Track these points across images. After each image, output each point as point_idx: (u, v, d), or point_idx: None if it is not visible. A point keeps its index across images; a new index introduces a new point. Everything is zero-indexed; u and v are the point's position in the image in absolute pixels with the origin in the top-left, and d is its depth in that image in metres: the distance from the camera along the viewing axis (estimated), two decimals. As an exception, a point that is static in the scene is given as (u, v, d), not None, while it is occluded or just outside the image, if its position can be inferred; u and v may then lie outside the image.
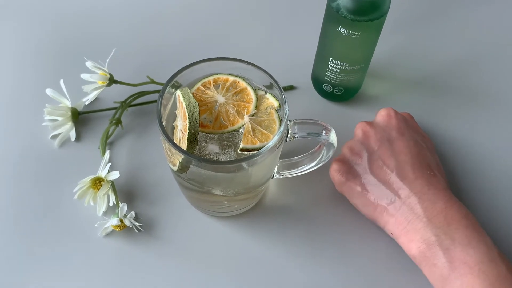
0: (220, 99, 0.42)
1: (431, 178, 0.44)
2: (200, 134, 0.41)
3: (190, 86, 0.43)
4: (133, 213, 0.48)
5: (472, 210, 0.45)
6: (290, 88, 0.58)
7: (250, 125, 0.41)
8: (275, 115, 0.42)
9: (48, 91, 0.53)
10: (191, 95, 0.40)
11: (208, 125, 0.41)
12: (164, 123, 0.40)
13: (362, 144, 0.48)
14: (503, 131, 0.56)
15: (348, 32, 0.48)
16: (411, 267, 0.44)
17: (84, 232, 0.48)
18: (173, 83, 0.42)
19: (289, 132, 0.43)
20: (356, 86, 0.56)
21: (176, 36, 0.63)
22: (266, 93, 0.43)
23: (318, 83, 0.57)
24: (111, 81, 0.53)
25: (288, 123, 0.42)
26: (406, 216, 0.43)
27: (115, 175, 0.48)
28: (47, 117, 0.53)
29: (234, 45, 0.62)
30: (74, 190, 0.47)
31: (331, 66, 0.52)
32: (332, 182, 0.49)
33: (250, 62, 0.43)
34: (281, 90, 0.42)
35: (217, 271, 0.46)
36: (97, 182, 0.48)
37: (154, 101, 0.56)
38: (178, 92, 0.41)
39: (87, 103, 0.53)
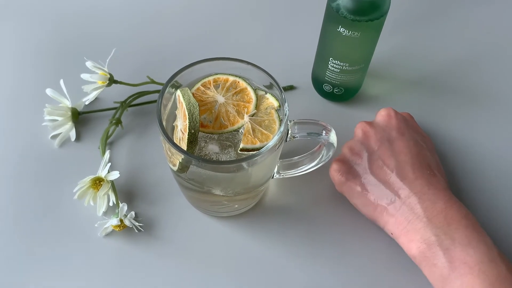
0: (220, 99, 0.42)
1: (431, 178, 0.44)
2: (200, 134, 0.41)
3: (190, 86, 0.43)
4: (133, 213, 0.48)
5: (472, 210, 0.45)
6: (290, 88, 0.58)
7: (250, 125, 0.41)
8: (275, 115, 0.42)
9: (48, 91, 0.53)
10: (191, 95, 0.40)
11: (208, 125, 0.41)
12: (164, 123, 0.40)
13: (362, 144, 0.48)
14: (503, 131, 0.56)
15: (348, 32, 0.48)
16: (411, 267, 0.44)
17: (84, 232, 0.48)
18: (173, 83, 0.42)
19: (289, 132, 0.43)
20: (356, 86, 0.56)
21: (176, 36, 0.63)
22: (266, 93, 0.43)
23: (318, 83, 0.57)
24: (111, 81, 0.53)
25: (288, 123, 0.42)
26: (406, 216, 0.43)
27: (115, 175, 0.48)
28: (47, 117, 0.53)
29: (234, 45, 0.62)
30: (74, 190, 0.47)
31: (331, 66, 0.52)
32: (332, 182, 0.49)
33: (250, 62, 0.43)
34: (281, 90, 0.42)
35: (217, 271, 0.46)
36: (97, 182, 0.48)
37: (154, 101, 0.56)
38: (178, 92, 0.41)
39: (87, 103, 0.53)
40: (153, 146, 0.53)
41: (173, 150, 0.39)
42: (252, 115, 0.42)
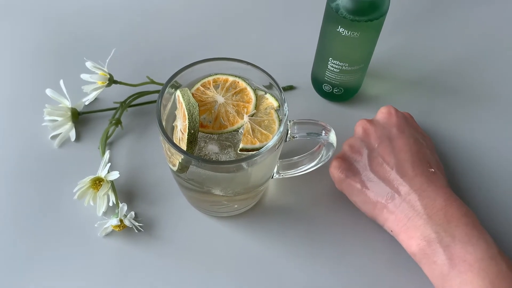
0: (220, 99, 0.42)
1: (431, 176, 0.44)
2: (200, 134, 0.41)
3: (190, 86, 0.43)
4: (133, 213, 0.48)
5: (472, 208, 0.45)
6: (290, 88, 0.58)
7: (249, 125, 0.41)
8: (274, 115, 0.42)
9: (48, 91, 0.53)
10: (190, 95, 0.40)
11: (207, 125, 0.41)
12: (163, 123, 0.40)
13: (362, 141, 0.48)
14: (503, 130, 0.56)
15: (348, 32, 0.48)
16: (411, 266, 0.44)
17: (84, 232, 0.48)
18: (172, 83, 0.42)
19: (289, 132, 0.43)
20: (355, 86, 0.56)
21: (176, 36, 0.63)
22: (265, 93, 0.44)
23: (317, 83, 0.57)
24: (111, 81, 0.53)
25: (288, 123, 0.42)
26: (406, 213, 0.43)
27: (115, 175, 0.48)
28: (47, 117, 0.53)
29: (233, 45, 0.62)
30: (74, 190, 0.47)
31: (331, 66, 0.52)
32: (331, 183, 0.49)
33: (250, 62, 0.43)
34: (280, 90, 0.42)
35: (217, 271, 0.46)
36: (97, 182, 0.48)
37: (154, 101, 0.56)
38: (178, 92, 0.41)
39: (87, 103, 0.53)
40: (152, 146, 0.53)
41: (173, 150, 0.39)
42: (252, 115, 0.42)
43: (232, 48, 0.61)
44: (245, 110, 0.42)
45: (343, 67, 0.52)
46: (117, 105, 0.54)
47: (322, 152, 0.46)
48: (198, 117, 0.39)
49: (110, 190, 0.48)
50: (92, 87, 0.52)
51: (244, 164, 0.40)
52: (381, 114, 0.49)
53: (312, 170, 0.48)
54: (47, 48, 0.61)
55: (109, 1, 0.66)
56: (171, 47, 0.61)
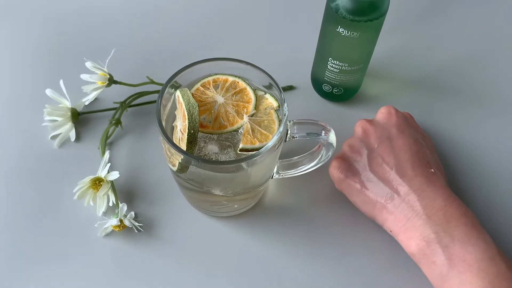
0: (220, 99, 0.42)
1: (431, 176, 0.44)
2: (200, 134, 0.41)
3: (190, 86, 0.43)
4: (132, 213, 0.48)
5: (472, 208, 0.45)
6: (290, 88, 0.58)
7: (249, 125, 0.41)
8: (274, 115, 0.42)
9: (48, 92, 0.53)
10: (190, 95, 0.40)
11: (207, 125, 0.41)
12: (163, 124, 0.40)
13: (361, 141, 0.48)
14: (503, 130, 0.56)
15: (347, 32, 0.48)
16: (411, 266, 0.44)
17: (84, 232, 0.48)
18: (172, 83, 0.42)
19: (289, 132, 0.43)
20: (355, 86, 0.56)
21: (176, 37, 0.63)
22: (265, 93, 0.44)
23: (317, 83, 0.57)
24: (111, 81, 0.53)
25: (288, 123, 0.42)
26: (405, 213, 0.43)
27: (114, 175, 0.48)
28: (47, 118, 0.53)
29: (233, 45, 0.62)
30: (74, 190, 0.47)
31: (331, 66, 0.52)
32: (331, 183, 0.49)
33: (249, 62, 0.43)
34: (280, 90, 0.42)
35: (217, 271, 0.46)
36: (97, 182, 0.48)
37: (154, 102, 0.56)
38: (178, 93, 0.41)
39: (86, 103, 0.53)
40: (152, 146, 0.53)
41: (173, 150, 0.39)
42: (252, 115, 0.42)
43: (232, 48, 0.61)
44: (245, 110, 0.42)
45: (343, 67, 0.52)
46: (117, 105, 0.54)
47: (322, 152, 0.46)
48: (198, 117, 0.39)
49: (110, 190, 0.48)
50: (92, 87, 0.52)
51: (243, 164, 0.40)
52: (381, 114, 0.49)
53: (312, 170, 0.48)
54: (47, 48, 0.61)
55: (109, 1, 0.66)
56: (171, 47, 0.61)
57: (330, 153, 0.45)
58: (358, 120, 0.50)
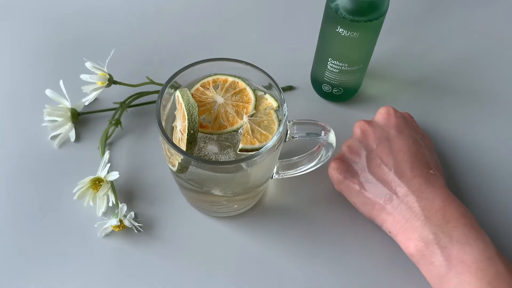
0: (219, 99, 0.43)
1: (430, 177, 0.44)
2: (199, 134, 0.41)
3: (189, 86, 0.43)
4: (132, 213, 0.48)
5: (471, 209, 0.45)
6: (289, 88, 0.58)
7: (249, 126, 0.41)
8: (274, 116, 0.42)
9: (48, 92, 0.53)
10: (190, 95, 0.40)
11: (207, 126, 0.41)
12: (163, 124, 0.41)
13: (360, 142, 0.48)
14: (503, 130, 0.56)
15: (347, 33, 0.48)
16: (411, 266, 0.44)
17: (84, 233, 0.48)
18: (172, 83, 0.42)
19: (288, 132, 0.43)
20: (355, 86, 0.56)
21: (176, 37, 0.63)
22: (265, 94, 0.44)
23: (317, 83, 0.57)
24: (111, 81, 0.53)
25: (287, 123, 0.42)
26: (404, 214, 0.43)
27: (114, 175, 0.48)
28: (47, 118, 0.53)
29: (233, 46, 0.62)
30: (74, 191, 0.47)
31: (330, 66, 0.52)
32: (331, 183, 0.49)
33: (249, 63, 0.43)
34: (280, 91, 0.42)
35: (217, 271, 0.46)
36: (97, 183, 0.48)
37: (154, 102, 0.56)
38: (177, 93, 0.41)
39: (86, 103, 0.54)
40: (152, 147, 0.53)
41: (172, 151, 0.39)
42: (251, 116, 0.42)
43: (232, 48, 0.61)
44: (245, 110, 0.42)
45: (343, 67, 0.52)
46: (117, 106, 0.55)
47: (322, 152, 0.46)
48: (197, 117, 0.39)
49: (109, 191, 0.48)
50: (91, 88, 0.52)
51: (243, 165, 0.40)
52: (380, 114, 0.49)
53: (312, 171, 0.48)
54: (47, 48, 0.61)
55: (109, 1, 0.66)
56: (171, 47, 0.61)
57: (329, 153, 0.45)
58: (357, 121, 0.50)
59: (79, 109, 0.54)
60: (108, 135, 0.53)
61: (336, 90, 0.55)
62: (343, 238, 0.48)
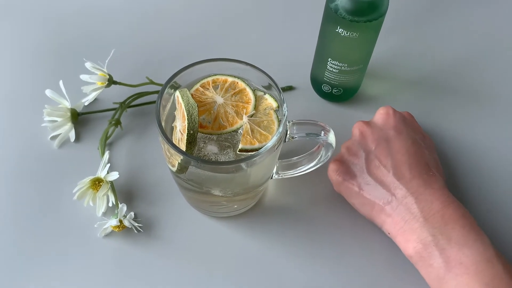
0: (219, 99, 0.43)
1: (429, 178, 0.44)
2: (199, 134, 0.41)
3: (189, 86, 0.43)
4: (132, 213, 0.48)
5: (471, 209, 0.45)
6: (289, 88, 0.58)
7: (249, 126, 0.41)
8: (274, 116, 0.42)
9: (48, 92, 0.53)
10: (190, 96, 0.40)
11: (207, 126, 0.41)
12: (163, 124, 0.41)
13: (359, 144, 0.48)
14: (503, 130, 0.56)
15: (347, 33, 0.48)
16: (410, 267, 0.44)
17: (84, 233, 0.48)
18: (172, 84, 0.42)
19: (288, 132, 0.43)
20: (355, 87, 0.56)
21: (175, 37, 0.63)
22: (265, 94, 0.44)
23: (317, 83, 0.57)
24: (110, 82, 0.53)
25: (287, 123, 0.42)
26: (403, 216, 0.43)
27: (114, 175, 0.48)
28: (47, 118, 0.53)
29: (233, 46, 0.62)
30: (74, 191, 0.47)
31: (330, 66, 0.52)
32: (330, 183, 0.49)
33: (249, 63, 0.43)
34: (279, 91, 0.42)
35: (217, 271, 0.46)
36: (97, 183, 0.48)
37: (153, 102, 0.56)
38: (177, 93, 0.41)
39: (86, 104, 0.54)
40: (152, 147, 0.53)
41: (172, 151, 0.39)
42: (251, 116, 0.42)
43: (231, 48, 0.61)
44: (244, 110, 0.42)
45: (342, 67, 0.52)
46: (117, 106, 0.55)
47: (321, 152, 0.46)
48: (197, 117, 0.39)
49: (109, 191, 0.48)
50: (91, 88, 0.53)
51: (243, 165, 0.40)
52: (379, 115, 0.49)
53: (311, 171, 0.48)
54: (47, 48, 0.61)
55: (109, 1, 0.66)
56: (171, 48, 0.61)
57: (329, 154, 0.45)
58: (356, 122, 0.50)
59: (79, 109, 0.54)
60: (108, 135, 0.53)
61: (335, 90, 0.55)
62: (342, 238, 0.48)
